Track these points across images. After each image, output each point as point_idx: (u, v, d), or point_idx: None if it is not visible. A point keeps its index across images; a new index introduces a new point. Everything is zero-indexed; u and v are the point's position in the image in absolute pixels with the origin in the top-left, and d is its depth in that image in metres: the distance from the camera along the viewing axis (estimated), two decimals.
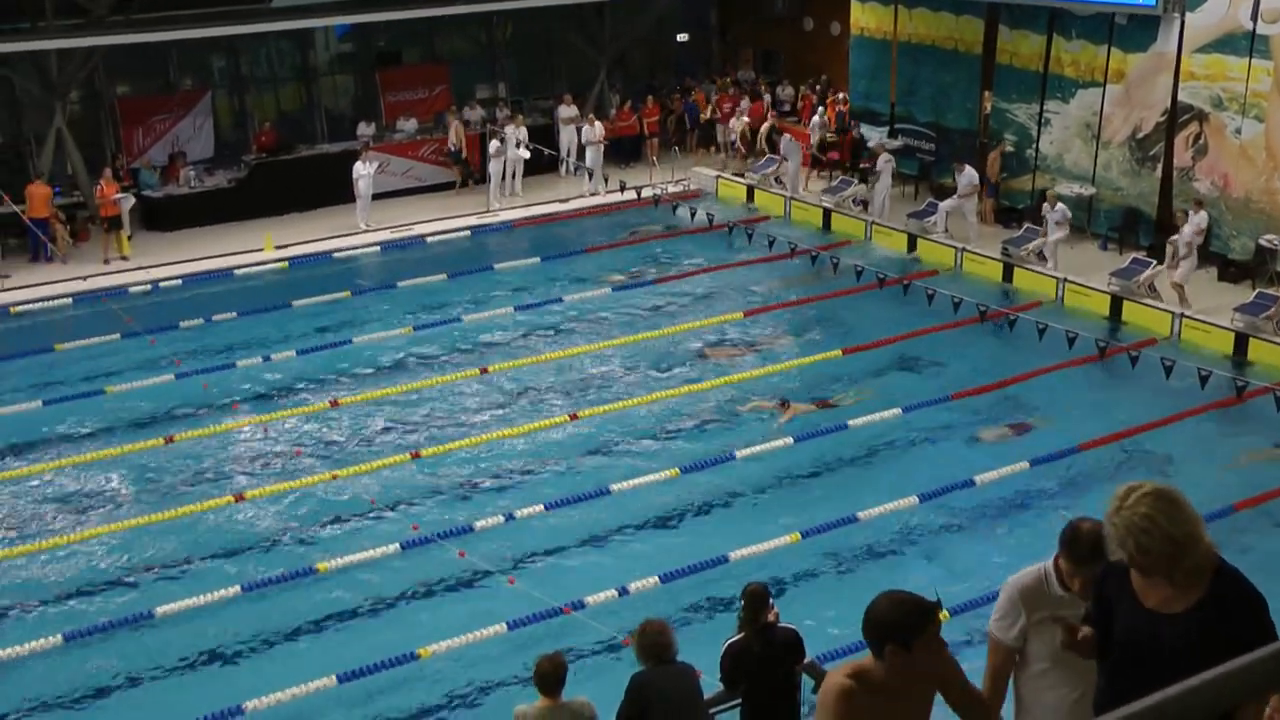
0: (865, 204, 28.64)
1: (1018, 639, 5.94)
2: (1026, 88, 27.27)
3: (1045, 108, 26.91)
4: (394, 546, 15.44)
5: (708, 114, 33.84)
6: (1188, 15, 23.88)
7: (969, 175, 26.35)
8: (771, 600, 9.45)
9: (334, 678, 12.89)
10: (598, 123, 31.04)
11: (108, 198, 26.32)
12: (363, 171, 28.15)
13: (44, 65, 27.34)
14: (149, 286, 25.25)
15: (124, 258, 26.55)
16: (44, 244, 26.51)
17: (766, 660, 9.23)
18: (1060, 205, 24.67)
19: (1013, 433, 18.72)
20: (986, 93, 28.49)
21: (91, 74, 29.01)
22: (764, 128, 31.79)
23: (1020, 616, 5.90)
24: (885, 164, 28.05)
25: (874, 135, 30.17)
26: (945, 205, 26.75)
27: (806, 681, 9.53)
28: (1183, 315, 21.78)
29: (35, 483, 17.64)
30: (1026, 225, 25.92)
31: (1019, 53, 27.33)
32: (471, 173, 30.67)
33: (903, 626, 5.21)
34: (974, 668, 5.89)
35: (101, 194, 26.43)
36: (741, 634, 9.32)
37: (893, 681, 5.29)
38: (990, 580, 13.97)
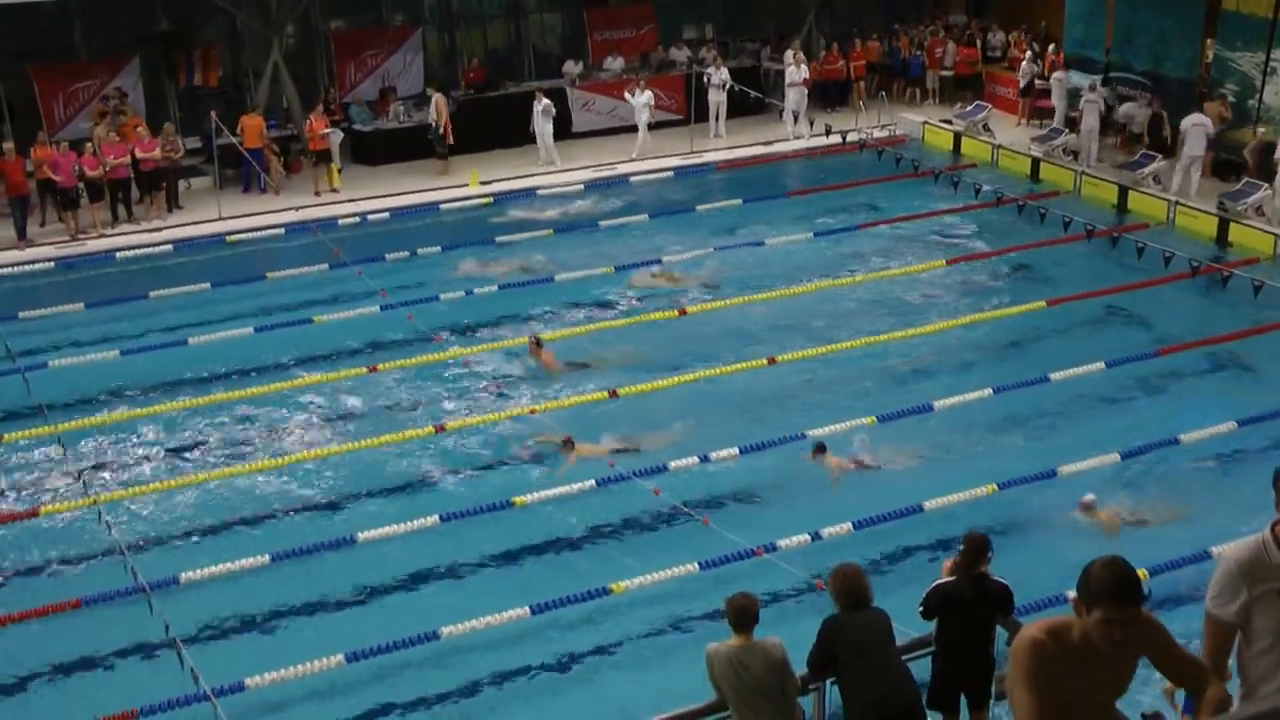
0: (1075, 154, 27.81)
1: (1239, 615, 5.65)
2: (1253, 35, 26.00)
3: (1272, 56, 25.63)
4: (590, 483, 15.58)
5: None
6: None
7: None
8: (990, 552, 9.28)
9: (527, 609, 13.09)
10: (802, 65, 30.63)
11: (316, 132, 26.98)
12: (544, 110, 28.51)
13: (263, 0, 28.05)
14: (357, 219, 25.84)
15: (334, 190, 27.21)
16: (257, 175, 27.31)
17: (975, 609, 9.12)
18: None
19: (1217, 393, 18.09)
20: (1209, 40, 27.29)
21: (307, 9, 29.71)
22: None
23: (1241, 591, 5.61)
24: (1089, 103, 27.16)
25: (1085, 83, 29.14)
26: (1183, 162, 25.55)
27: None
28: None
29: (245, 408, 18.24)
30: (1245, 179, 24.83)
31: None
32: (445, 153, 28.83)
33: (1107, 593, 5.06)
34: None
35: (310, 129, 27.10)
36: (953, 578, 9.20)
37: (1090, 642, 5.13)
38: (1190, 544, 13.60)
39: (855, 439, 16.36)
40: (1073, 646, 5.19)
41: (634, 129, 30.16)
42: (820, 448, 16.00)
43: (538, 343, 19.15)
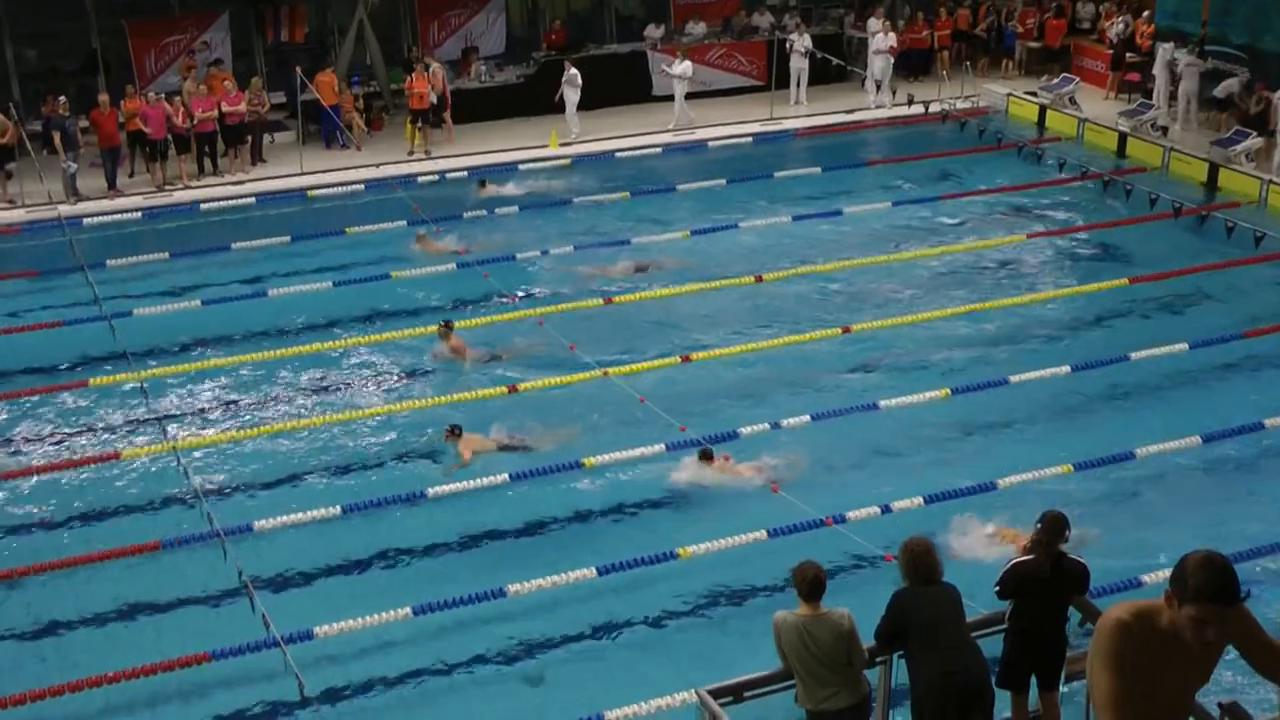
0: (1165, 130, 27.33)
1: None
2: None
3: None
4: (660, 446, 15.58)
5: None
6: None
7: None
8: (1068, 531, 9.19)
9: (594, 569, 13.13)
10: (890, 33, 30.29)
11: (417, 91, 27.04)
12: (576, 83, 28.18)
13: None
14: (436, 176, 25.93)
15: (426, 152, 27.21)
16: (337, 131, 27.47)
17: (1053, 588, 9.03)
18: None
19: None
20: None
21: None
22: None
23: None
24: (1189, 66, 26.65)
25: (1181, 57, 28.59)
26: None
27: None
28: None
29: (320, 361, 18.45)
30: None
31: None
32: (439, 122, 28.14)
33: (1205, 592, 4.94)
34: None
35: (410, 86, 27.19)
36: (1032, 556, 9.12)
37: (1178, 632, 5.02)
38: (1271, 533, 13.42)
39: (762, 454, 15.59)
40: (1159, 634, 5.07)
41: (714, 94, 30.16)
42: (706, 454, 15.17)
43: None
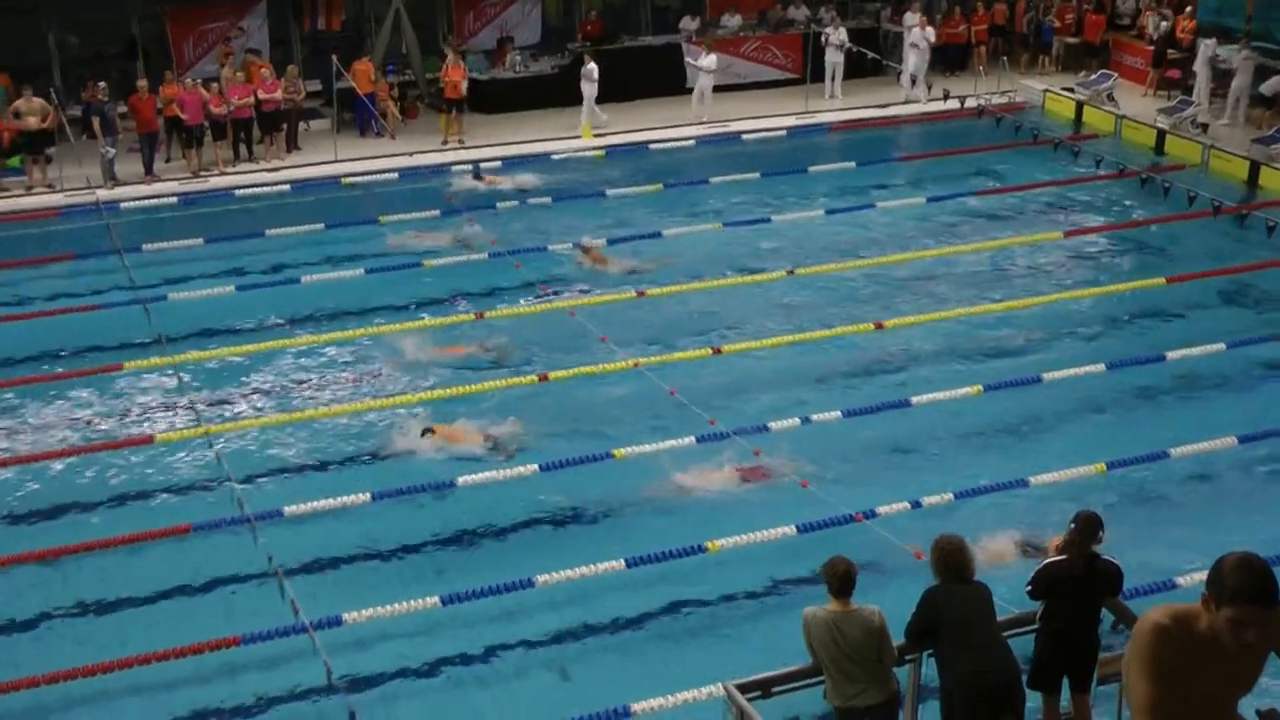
0: (1205, 127, 27.09)
1: None
2: None
3: None
4: (690, 439, 15.50)
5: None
6: None
7: None
8: (1101, 532, 9.11)
9: (622, 562, 13.10)
10: (929, 27, 30.10)
11: (451, 80, 27.05)
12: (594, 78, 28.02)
13: None
14: (469, 166, 25.94)
15: (460, 140, 27.27)
16: (372, 119, 27.52)
17: (1085, 587, 8.95)
18: None
19: None
20: None
21: None
22: None
23: None
24: (1246, 60, 26.36)
25: (1226, 54, 28.33)
26: None
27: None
28: None
29: (354, 348, 18.52)
30: None
31: None
32: (457, 114, 27.82)
33: (1242, 594, 4.87)
34: None
35: (446, 74, 27.20)
36: (1065, 556, 9.05)
37: (1216, 633, 4.96)
38: None
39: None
40: (1198, 638, 5.00)
41: (748, 87, 30.04)
42: None
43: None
